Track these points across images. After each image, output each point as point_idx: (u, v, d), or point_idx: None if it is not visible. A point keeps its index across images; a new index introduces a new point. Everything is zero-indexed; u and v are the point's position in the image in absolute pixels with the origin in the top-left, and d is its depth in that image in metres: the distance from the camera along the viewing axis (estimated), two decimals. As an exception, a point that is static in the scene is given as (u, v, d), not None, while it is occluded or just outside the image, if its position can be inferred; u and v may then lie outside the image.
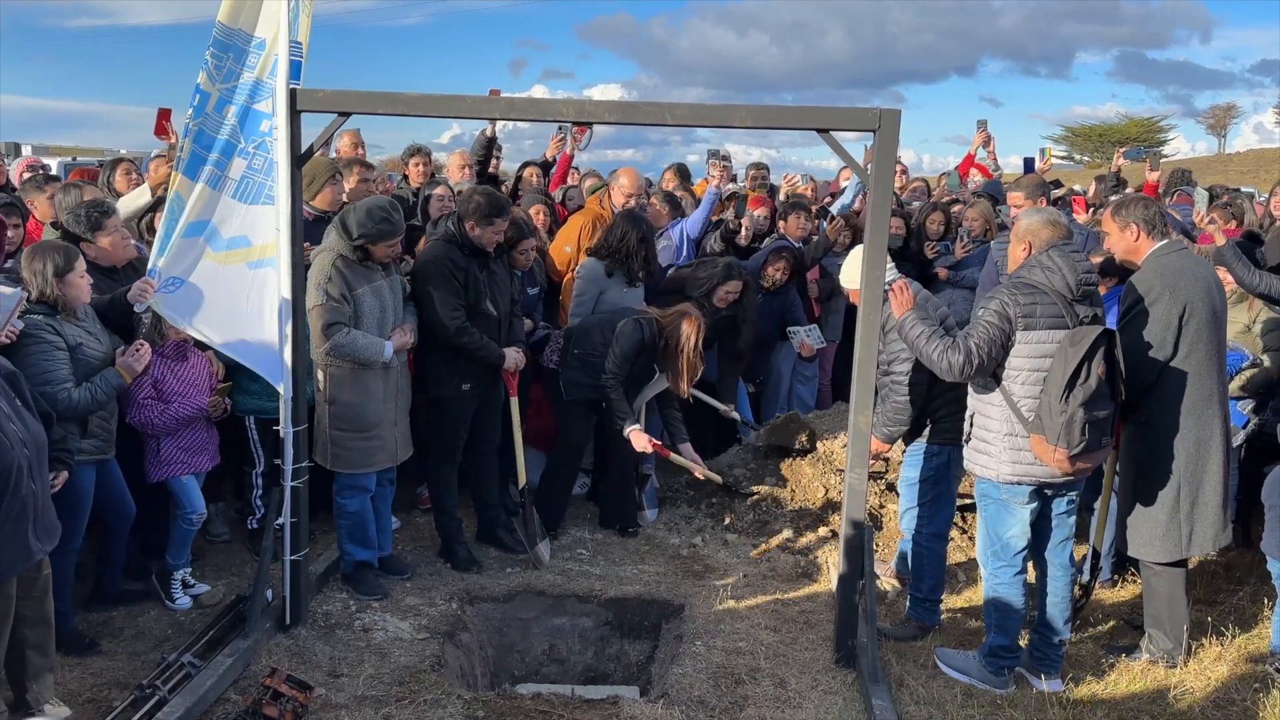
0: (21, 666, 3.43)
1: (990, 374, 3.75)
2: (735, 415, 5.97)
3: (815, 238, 6.73)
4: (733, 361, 5.95)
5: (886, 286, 4.04)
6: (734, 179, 8.43)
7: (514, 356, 4.93)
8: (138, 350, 4.01)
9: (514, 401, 5.05)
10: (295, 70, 3.87)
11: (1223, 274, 5.05)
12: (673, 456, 5.36)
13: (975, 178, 8.73)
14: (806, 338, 6.32)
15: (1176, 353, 3.94)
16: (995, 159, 8.87)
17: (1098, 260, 4.98)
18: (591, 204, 6.23)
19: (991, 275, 5.84)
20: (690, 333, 5.04)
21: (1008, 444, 3.73)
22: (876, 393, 4.11)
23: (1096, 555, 4.55)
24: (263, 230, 3.96)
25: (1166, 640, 4.12)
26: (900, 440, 4.50)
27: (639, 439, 5.06)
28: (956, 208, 7.32)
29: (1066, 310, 3.66)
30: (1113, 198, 7.97)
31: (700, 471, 5.47)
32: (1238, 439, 4.89)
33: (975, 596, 4.56)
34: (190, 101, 3.87)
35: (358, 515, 4.58)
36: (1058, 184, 9.53)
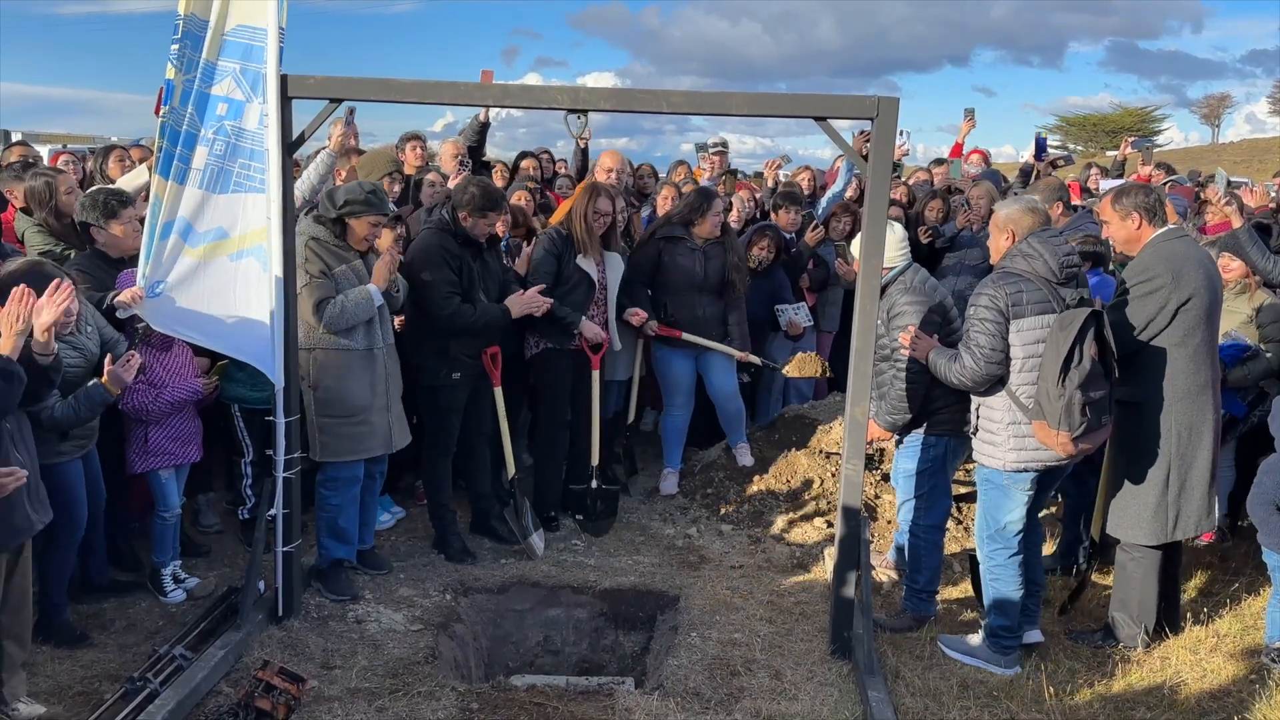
0: None
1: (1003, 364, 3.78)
2: (753, 359, 5.81)
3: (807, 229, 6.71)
4: (730, 300, 5.76)
5: (892, 268, 4.20)
6: (730, 171, 8.47)
7: (518, 302, 4.93)
8: (128, 361, 3.85)
9: (498, 391, 5.02)
10: (258, 55, 3.78)
11: (1227, 261, 5.03)
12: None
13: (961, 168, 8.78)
14: (794, 315, 6.28)
15: (1165, 335, 3.93)
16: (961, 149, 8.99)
17: (1075, 243, 4.96)
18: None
19: None
20: (582, 198, 5.22)
21: (1011, 432, 3.80)
22: (874, 379, 4.09)
23: (1094, 544, 4.53)
24: (239, 220, 3.87)
25: (1132, 625, 4.15)
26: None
27: (589, 328, 5.25)
28: (957, 197, 7.31)
29: (1052, 295, 3.73)
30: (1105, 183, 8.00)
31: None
32: (1237, 430, 4.88)
33: (970, 587, 4.55)
34: (161, 95, 3.82)
35: (340, 509, 4.45)
36: (1069, 159, 9.60)
